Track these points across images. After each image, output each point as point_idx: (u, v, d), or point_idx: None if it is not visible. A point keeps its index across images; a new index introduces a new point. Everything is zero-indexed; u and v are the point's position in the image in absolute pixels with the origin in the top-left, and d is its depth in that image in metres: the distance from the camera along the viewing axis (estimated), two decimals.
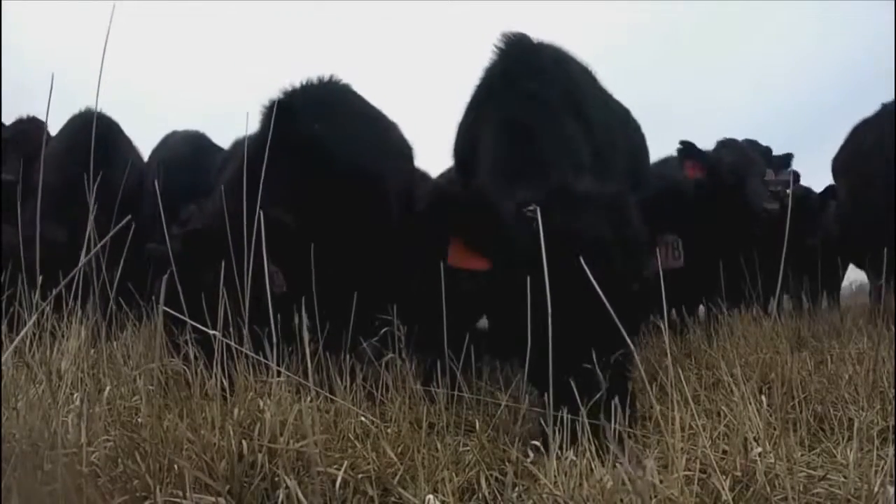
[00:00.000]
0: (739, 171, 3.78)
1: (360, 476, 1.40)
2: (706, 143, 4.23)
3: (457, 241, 1.86)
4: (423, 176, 3.44)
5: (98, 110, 3.43)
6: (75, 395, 1.44)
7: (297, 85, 2.71)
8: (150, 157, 4.20)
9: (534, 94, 2.21)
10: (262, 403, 1.49)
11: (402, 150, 3.04)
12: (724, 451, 1.45)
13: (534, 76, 2.27)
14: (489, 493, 1.43)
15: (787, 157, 4.39)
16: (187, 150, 4.14)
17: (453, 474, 1.46)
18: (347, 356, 2.02)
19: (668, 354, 1.59)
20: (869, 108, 4.42)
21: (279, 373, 1.60)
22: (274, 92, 2.66)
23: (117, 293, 1.89)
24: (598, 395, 1.51)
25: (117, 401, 1.55)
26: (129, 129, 4.05)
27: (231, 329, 1.62)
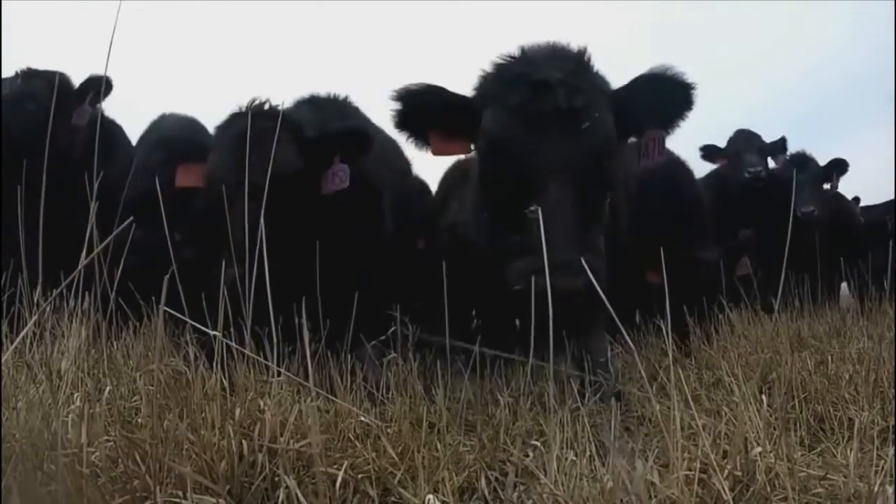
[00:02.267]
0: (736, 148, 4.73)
1: (360, 476, 1.40)
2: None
3: (434, 133, 2.05)
4: (423, 184, 3.61)
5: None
6: (75, 396, 1.44)
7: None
8: (142, 138, 4.06)
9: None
10: (262, 403, 1.49)
11: (403, 163, 3.30)
12: (725, 452, 1.45)
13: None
14: (489, 492, 1.43)
15: (782, 141, 4.71)
16: (182, 132, 4.04)
17: (453, 474, 1.46)
18: (348, 356, 2.03)
19: (669, 354, 1.59)
20: (869, 108, 4.56)
21: (279, 373, 1.60)
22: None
23: (117, 293, 1.89)
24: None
25: (117, 401, 1.55)
26: (128, 129, 4.02)
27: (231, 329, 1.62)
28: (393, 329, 2.17)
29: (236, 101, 2.54)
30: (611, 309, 1.43)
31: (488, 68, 2.09)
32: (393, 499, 1.40)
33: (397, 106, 2.07)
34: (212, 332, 1.47)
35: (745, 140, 4.74)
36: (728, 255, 3.85)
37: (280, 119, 2.24)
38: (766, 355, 2.31)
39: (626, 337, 1.49)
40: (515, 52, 2.09)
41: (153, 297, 1.62)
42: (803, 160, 4.67)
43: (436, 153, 2.12)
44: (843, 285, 4.85)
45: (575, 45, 2.10)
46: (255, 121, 2.31)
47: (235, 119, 2.43)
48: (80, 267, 1.36)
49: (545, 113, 1.86)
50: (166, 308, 1.34)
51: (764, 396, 1.60)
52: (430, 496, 1.31)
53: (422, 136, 2.13)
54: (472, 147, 2.12)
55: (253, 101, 2.45)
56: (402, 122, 2.09)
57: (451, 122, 2.06)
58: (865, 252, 4.60)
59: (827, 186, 4.69)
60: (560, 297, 1.62)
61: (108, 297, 1.69)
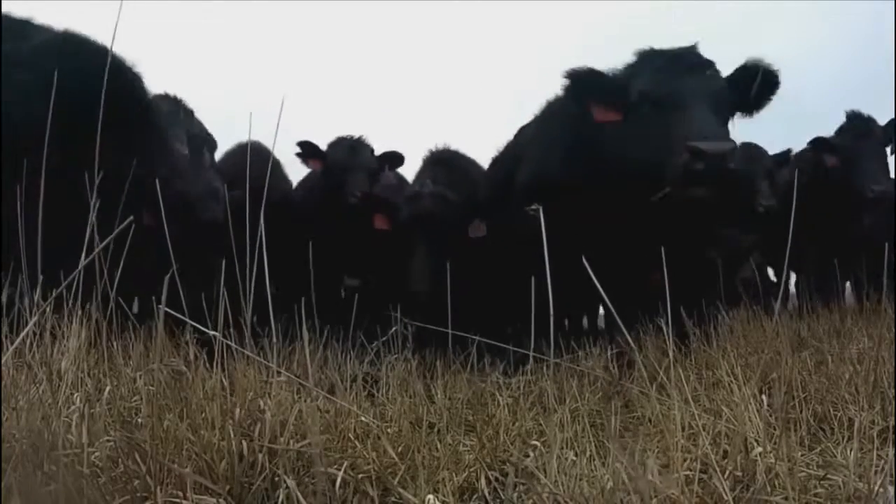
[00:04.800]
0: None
1: (360, 476, 1.40)
2: None
3: (597, 106, 2.69)
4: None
5: None
6: (75, 396, 1.44)
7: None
8: None
9: None
10: (262, 403, 1.49)
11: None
12: (725, 452, 1.45)
13: None
14: (489, 492, 1.43)
15: (786, 154, 4.48)
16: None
17: (453, 474, 1.46)
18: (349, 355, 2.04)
19: (669, 354, 1.59)
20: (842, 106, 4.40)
21: (279, 373, 1.60)
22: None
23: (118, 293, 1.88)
24: None
25: (117, 401, 1.55)
26: None
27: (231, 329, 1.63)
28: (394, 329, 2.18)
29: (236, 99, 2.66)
30: (611, 306, 1.45)
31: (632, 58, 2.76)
32: (393, 499, 1.40)
33: (567, 83, 2.74)
34: (212, 333, 1.47)
35: (750, 159, 4.18)
36: (732, 256, 3.81)
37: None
38: (766, 355, 2.31)
39: (627, 336, 1.49)
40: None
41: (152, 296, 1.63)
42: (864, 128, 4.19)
43: (598, 119, 2.71)
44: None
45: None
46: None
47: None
48: (80, 267, 1.36)
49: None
50: (167, 308, 1.34)
51: (764, 396, 1.60)
52: (430, 496, 1.31)
53: (584, 106, 2.73)
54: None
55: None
56: (571, 95, 2.77)
57: (608, 97, 2.68)
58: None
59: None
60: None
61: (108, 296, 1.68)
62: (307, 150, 4.08)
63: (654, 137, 2.49)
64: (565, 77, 2.73)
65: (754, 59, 2.68)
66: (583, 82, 2.74)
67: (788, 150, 4.54)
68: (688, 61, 2.59)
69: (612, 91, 2.69)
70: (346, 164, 4.00)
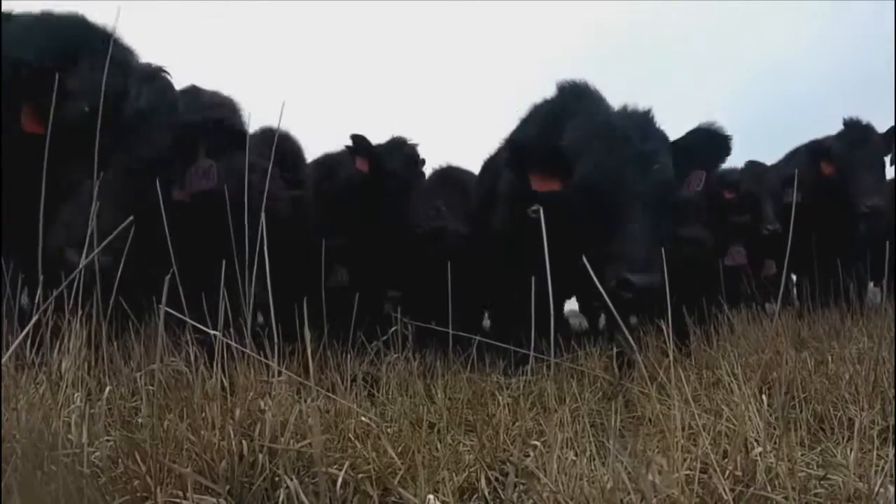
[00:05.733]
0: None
1: (360, 476, 1.40)
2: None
3: (534, 174, 2.68)
4: None
5: None
6: (75, 396, 1.44)
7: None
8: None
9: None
10: (262, 403, 1.49)
11: None
12: (725, 452, 1.45)
13: None
14: (489, 492, 1.43)
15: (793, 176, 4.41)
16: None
17: (453, 474, 1.46)
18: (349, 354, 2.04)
19: (669, 354, 1.59)
20: (832, 109, 4.37)
21: (280, 372, 1.60)
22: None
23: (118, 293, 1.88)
24: None
25: (117, 401, 1.55)
26: None
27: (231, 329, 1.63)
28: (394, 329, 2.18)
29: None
30: (611, 306, 1.46)
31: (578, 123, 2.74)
32: (393, 499, 1.39)
33: (509, 155, 2.78)
34: (212, 332, 1.47)
35: (756, 180, 4.29)
36: (720, 240, 3.81)
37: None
38: (766, 355, 2.31)
39: (628, 335, 1.50)
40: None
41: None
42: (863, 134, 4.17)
43: (537, 189, 2.70)
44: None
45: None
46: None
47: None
48: (80, 266, 1.36)
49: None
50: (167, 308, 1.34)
51: (764, 396, 1.60)
52: (430, 496, 1.31)
53: (523, 177, 2.73)
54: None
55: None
56: (513, 167, 2.78)
57: (549, 166, 2.66)
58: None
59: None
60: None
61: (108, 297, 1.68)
62: (358, 146, 3.71)
63: (591, 232, 2.44)
64: (507, 147, 2.73)
65: (706, 123, 2.68)
66: (525, 154, 2.72)
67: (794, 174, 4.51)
68: (636, 147, 2.49)
69: (554, 160, 2.65)
70: (407, 183, 3.80)
